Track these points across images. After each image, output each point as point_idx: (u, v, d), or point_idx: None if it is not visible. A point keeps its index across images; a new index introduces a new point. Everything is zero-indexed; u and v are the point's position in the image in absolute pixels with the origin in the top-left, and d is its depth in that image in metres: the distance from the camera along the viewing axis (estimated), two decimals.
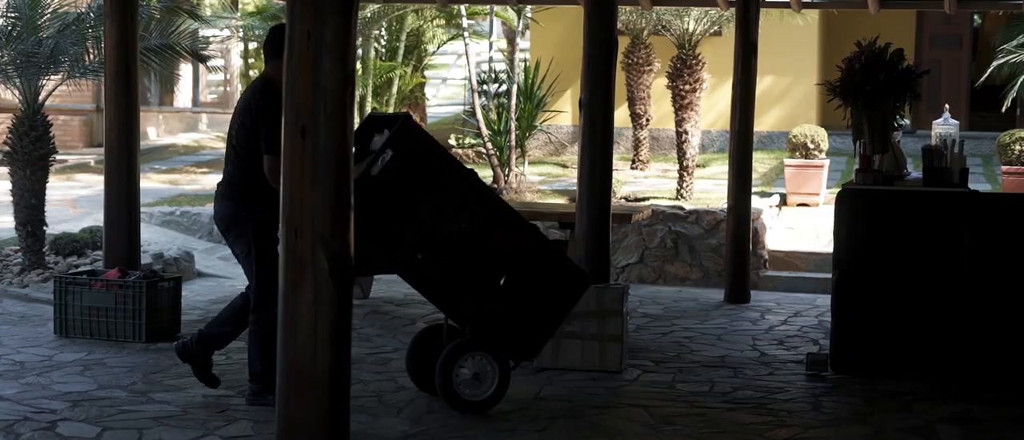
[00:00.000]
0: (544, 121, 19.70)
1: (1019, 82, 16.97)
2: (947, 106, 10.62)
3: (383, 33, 20.48)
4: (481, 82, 20.32)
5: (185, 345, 7.34)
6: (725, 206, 12.15)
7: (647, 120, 18.45)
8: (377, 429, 6.68)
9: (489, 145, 17.88)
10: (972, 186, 8.82)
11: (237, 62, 27.43)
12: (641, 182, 17.43)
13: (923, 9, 19.89)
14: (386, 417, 6.94)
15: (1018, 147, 15.57)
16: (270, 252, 6.82)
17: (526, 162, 18.48)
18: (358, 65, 18.00)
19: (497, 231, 6.99)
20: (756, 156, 13.57)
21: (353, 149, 7.09)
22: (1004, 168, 15.71)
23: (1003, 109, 17.91)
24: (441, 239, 6.83)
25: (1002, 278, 8.09)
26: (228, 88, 27.39)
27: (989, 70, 17.72)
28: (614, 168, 9.63)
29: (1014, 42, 17.49)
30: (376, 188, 6.65)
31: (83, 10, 11.76)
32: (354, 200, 6.04)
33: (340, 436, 5.51)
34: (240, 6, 22.70)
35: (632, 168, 18.51)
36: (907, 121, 11.34)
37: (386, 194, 6.68)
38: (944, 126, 9.61)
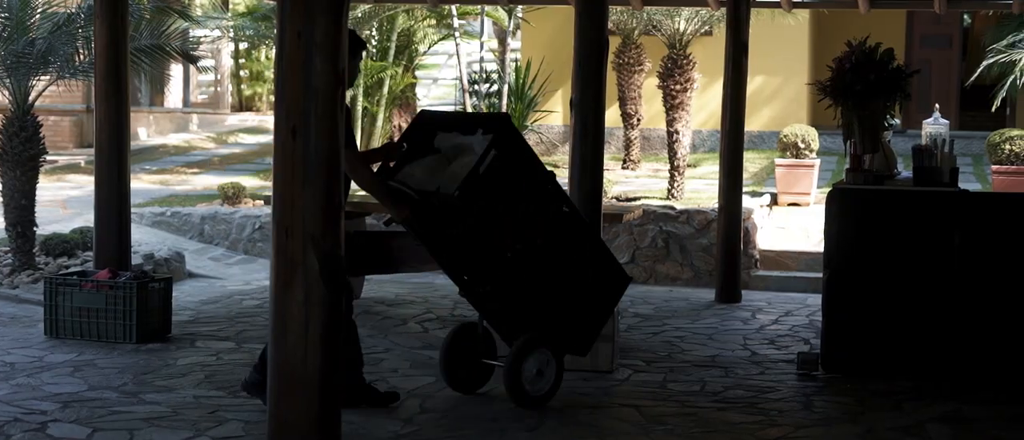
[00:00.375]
0: (535, 121, 19.71)
1: (1009, 82, 17.01)
2: (937, 106, 10.63)
3: (374, 33, 20.46)
4: (472, 82, 20.32)
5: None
6: (716, 206, 12.15)
7: (638, 120, 18.44)
8: (368, 429, 6.68)
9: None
10: (962, 185, 8.83)
11: (228, 62, 27.41)
12: (632, 182, 17.43)
13: (913, 9, 19.92)
14: (377, 417, 6.93)
15: (1008, 146, 15.58)
16: None
17: None
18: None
19: (570, 231, 7.23)
20: (747, 156, 13.58)
21: (404, 146, 7.15)
22: (994, 167, 15.73)
23: (993, 109, 17.94)
24: (529, 237, 7.05)
25: (992, 277, 8.10)
26: (219, 88, 27.37)
27: (979, 70, 17.75)
28: (605, 168, 9.63)
29: (1004, 42, 17.52)
30: (480, 186, 6.77)
31: (73, 10, 11.75)
32: (464, 195, 6.48)
33: (331, 437, 5.51)
34: (231, 6, 22.69)
35: (623, 168, 18.52)
36: (897, 121, 11.36)
37: (487, 192, 6.82)
38: (934, 126, 9.62)
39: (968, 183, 15.33)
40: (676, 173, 15.93)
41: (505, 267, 7.04)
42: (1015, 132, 15.97)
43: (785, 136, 15.87)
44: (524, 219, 7.04)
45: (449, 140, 7.07)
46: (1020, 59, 16.73)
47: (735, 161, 11.71)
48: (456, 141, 7.03)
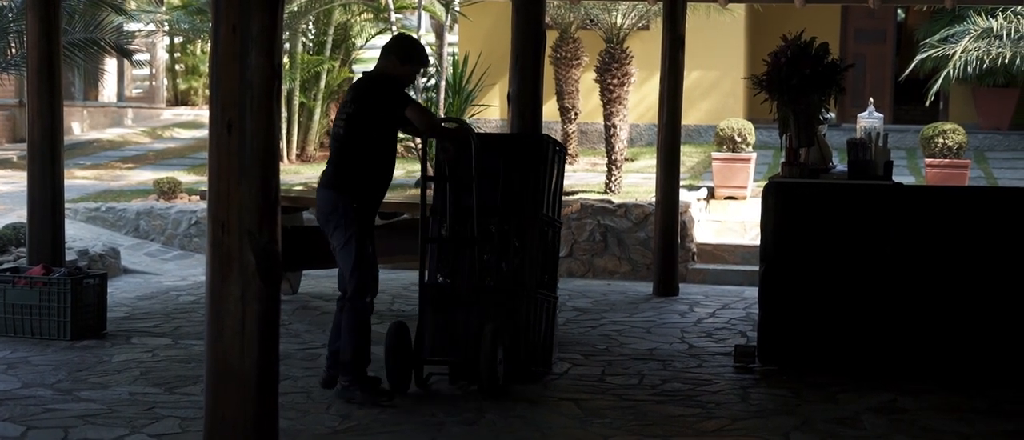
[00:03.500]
0: (473, 115, 19.68)
1: (942, 76, 17.18)
2: (872, 100, 10.71)
3: (310, 27, 20.37)
4: None
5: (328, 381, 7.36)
6: (653, 200, 12.20)
7: (576, 114, 18.45)
8: (306, 425, 6.65)
9: (417, 140, 17.83)
10: (897, 179, 8.92)
11: (163, 56, 27.17)
12: (570, 176, 17.38)
13: (847, 4, 20.06)
14: (315, 413, 6.91)
15: (941, 140, 15.75)
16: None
17: None
18: (285, 59, 17.92)
19: None
20: (684, 150, 13.64)
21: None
22: (928, 161, 15.89)
23: (927, 103, 18.12)
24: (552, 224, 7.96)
25: (926, 270, 8.18)
26: (153, 83, 27.12)
27: (912, 64, 17.92)
28: None
29: (937, 36, 17.71)
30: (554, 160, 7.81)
31: (4, 4, 11.61)
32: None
33: (268, 433, 5.47)
34: (165, 0, 22.50)
35: None
36: (832, 114, 11.42)
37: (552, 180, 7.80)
38: (869, 119, 9.70)
39: (902, 176, 15.47)
40: (614, 167, 15.96)
41: (540, 236, 7.64)
42: (948, 126, 16.14)
43: (722, 130, 15.95)
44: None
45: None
46: (953, 53, 16.91)
47: (672, 155, 11.76)
48: None
